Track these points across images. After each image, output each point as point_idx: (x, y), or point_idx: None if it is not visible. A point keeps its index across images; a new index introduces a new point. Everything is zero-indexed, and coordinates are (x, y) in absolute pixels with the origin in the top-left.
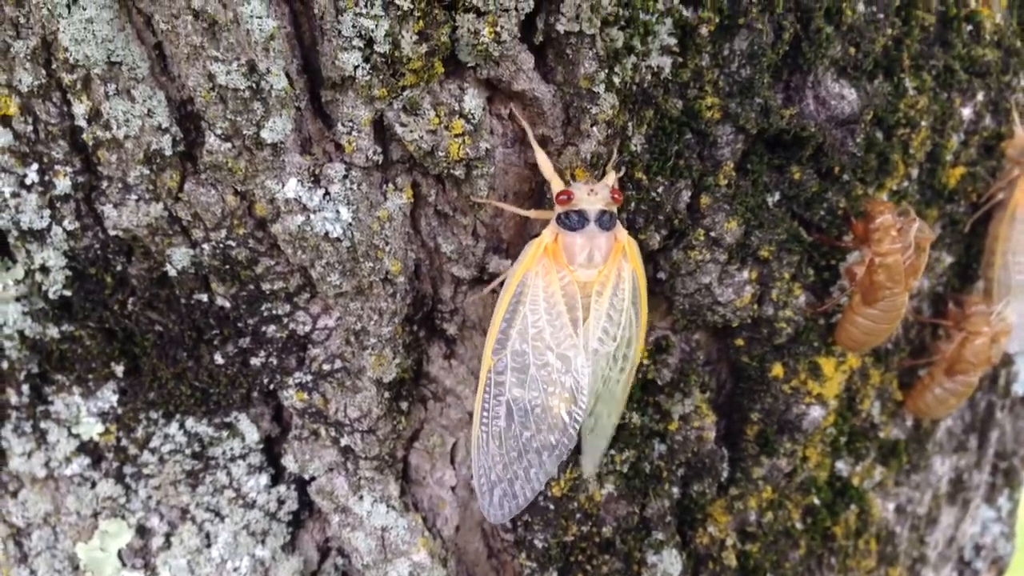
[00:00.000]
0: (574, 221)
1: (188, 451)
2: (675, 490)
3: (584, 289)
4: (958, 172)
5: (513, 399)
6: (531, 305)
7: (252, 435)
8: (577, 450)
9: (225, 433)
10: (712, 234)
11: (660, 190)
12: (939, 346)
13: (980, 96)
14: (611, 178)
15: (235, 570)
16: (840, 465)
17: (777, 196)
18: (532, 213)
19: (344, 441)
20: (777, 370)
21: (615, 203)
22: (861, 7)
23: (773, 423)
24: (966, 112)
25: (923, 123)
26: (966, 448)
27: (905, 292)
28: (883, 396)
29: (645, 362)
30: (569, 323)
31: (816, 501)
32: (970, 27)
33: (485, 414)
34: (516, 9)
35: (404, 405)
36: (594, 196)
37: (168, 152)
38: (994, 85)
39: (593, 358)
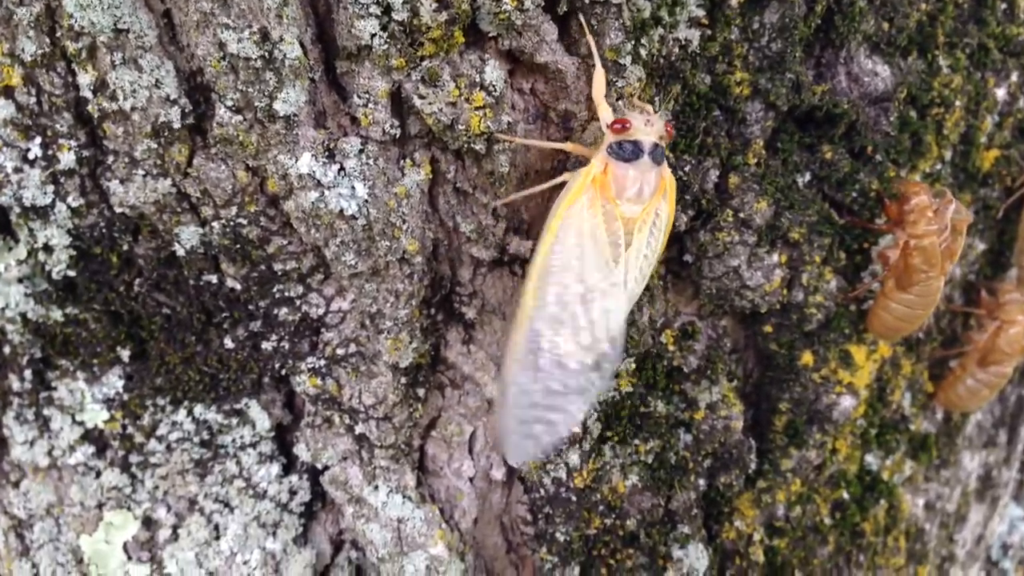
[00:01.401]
0: (628, 152)
1: (196, 439)
2: (701, 482)
3: (627, 225)
4: (992, 155)
5: (550, 339)
6: (575, 239)
7: (263, 422)
8: None
9: (235, 420)
10: (741, 215)
11: (687, 169)
12: (971, 336)
13: (1015, 77)
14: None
15: (245, 563)
16: (870, 458)
17: (808, 176)
18: (569, 146)
19: (359, 429)
20: (807, 358)
21: (668, 137)
22: None
23: (802, 413)
24: (1000, 93)
25: (957, 103)
26: (995, 443)
27: (941, 276)
28: (914, 387)
29: (671, 348)
30: (612, 260)
31: (845, 495)
32: (1004, 5)
33: (518, 350)
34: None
35: (421, 392)
36: (650, 128)
37: (177, 125)
38: None
39: (627, 296)
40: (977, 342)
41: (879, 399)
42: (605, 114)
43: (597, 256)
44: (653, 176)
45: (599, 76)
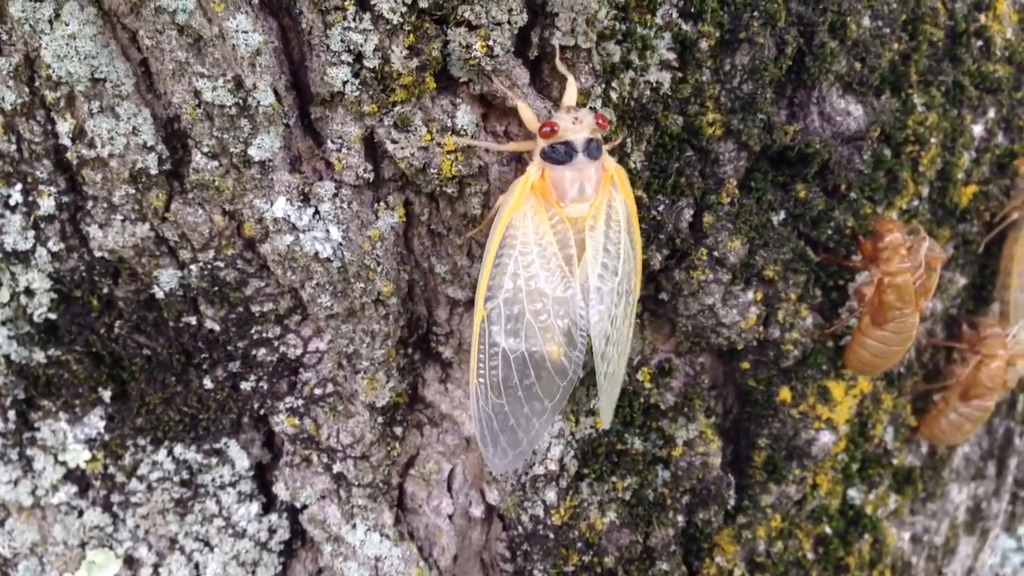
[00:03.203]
0: (561, 153)
1: (177, 479)
2: (680, 518)
3: (576, 225)
4: (970, 191)
5: (510, 348)
6: (521, 248)
7: (242, 462)
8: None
9: (214, 460)
10: (715, 253)
11: (661, 208)
12: (953, 370)
13: (991, 113)
14: (572, 90)
15: None
16: (852, 493)
17: (782, 214)
18: (511, 146)
19: (337, 468)
20: (784, 394)
21: (600, 128)
22: (867, 21)
23: (781, 449)
24: (977, 129)
25: (933, 140)
26: (984, 475)
27: (916, 313)
28: (896, 421)
29: (648, 385)
30: (563, 263)
31: (828, 530)
32: (980, 42)
33: (481, 365)
34: (509, 23)
35: (399, 430)
36: (579, 124)
37: (154, 171)
38: (1006, 102)
39: (597, 296)
40: (959, 376)
41: (860, 434)
42: (530, 120)
43: (549, 262)
44: (593, 172)
45: (522, 109)
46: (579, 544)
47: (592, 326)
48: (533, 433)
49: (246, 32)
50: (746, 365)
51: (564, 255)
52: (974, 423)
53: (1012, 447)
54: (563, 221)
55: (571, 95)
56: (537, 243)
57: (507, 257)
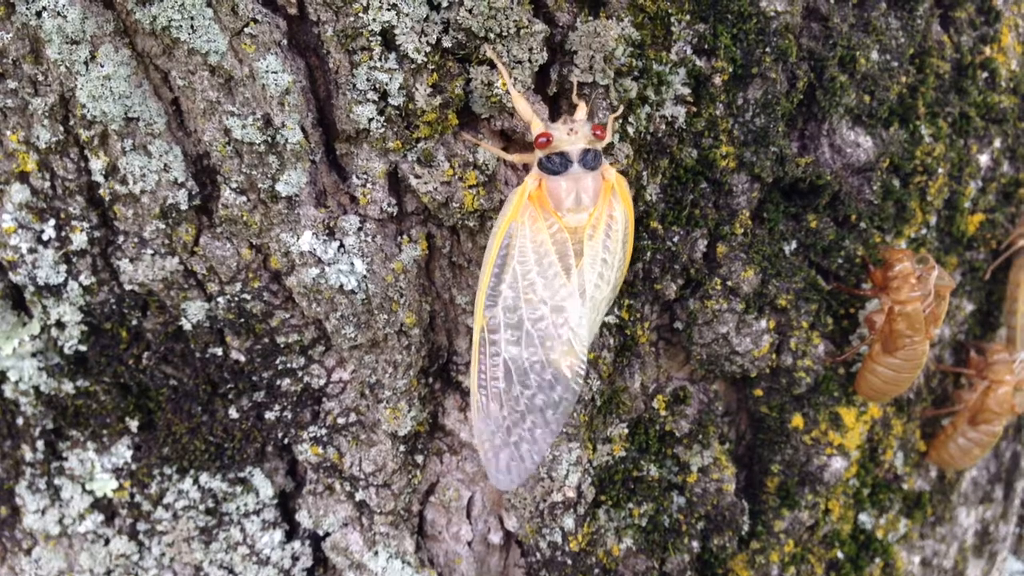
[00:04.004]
0: (556, 164)
1: (202, 507)
2: (695, 544)
3: (575, 234)
4: (977, 219)
5: (510, 358)
6: (520, 257)
7: (266, 490)
8: None
9: (239, 488)
10: (729, 283)
11: (676, 239)
12: (961, 395)
13: (997, 143)
14: (582, 111)
15: None
16: (864, 517)
17: (794, 244)
18: (515, 157)
19: (359, 496)
20: (797, 421)
21: (598, 140)
22: (875, 55)
23: (794, 475)
24: (983, 159)
25: (940, 170)
26: (992, 499)
27: (926, 341)
28: (906, 446)
29: (663, 413)
30: (562, 272)
31: (840, 555)
32: (986, 74)
33: (482, 376)
34: (530, 61)
35: (419, 458)
36: (575, 135)
37: (184, 206)
38: (1011, 132)
39: (590, 304)
40: (967, 401)
41: (871, 459)
42: (533, 130)
43: (546, 271)
44: (590, 182)
45: (516, 99)
46: (596, 570)
47: (585, 338)
48: (537, 447)
49: (276, 72)
50: (759, 392)
51: (563, 264)
52: (983, 448)
53: (1019, 470)
54: (562, 230)
55: (580, 114)
56: (535, 251)
57: (507, 265)
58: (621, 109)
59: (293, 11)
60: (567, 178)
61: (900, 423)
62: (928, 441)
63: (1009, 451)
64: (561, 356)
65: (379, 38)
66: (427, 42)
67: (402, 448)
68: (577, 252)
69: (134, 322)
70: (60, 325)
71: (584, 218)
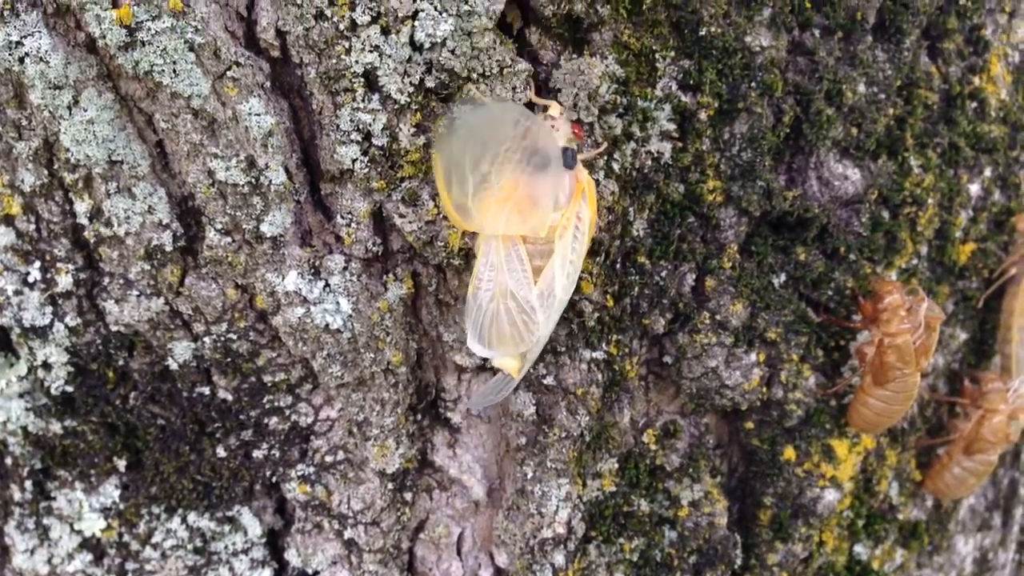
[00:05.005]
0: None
1: (190, 546)
2: None
3: (548, 234)
4: (968, 248)
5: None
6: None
7: (255, 529)
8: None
9: (227, 527)
10: (718, 317)
11: (664, 274)
12: (956, 424)
13: (988, 172)
14: (556, 109)
15: None
16: (859, 549)
17: (783, 277)
18: None
19: (348, 534)
20: (789, 453)
21: (577, 138)
22: (862, 88)
23: (787, 507)
24: (974, 188)
25: (930, 200)
26: (990, 526)
27: (917, 372)
28: (901, 476)
29: (653, 447)
30: (531, 273)
31: None
32: (975, 104)
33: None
34: (514, 100)
35: (408, 495)
36: (556, 132)
37: (169, 247)
38: (1002, 161)
39: (558, 305)
40: (962, 431)
41: (865, 490)
42: None
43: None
44: (567, 180)
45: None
46: None
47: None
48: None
49: (259, 115)
50: (750, 425)
51: (533, 264)
52: (978, 477)
53: (1017, 497)
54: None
55: (555, 111)
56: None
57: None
58: (604, 146)
59: (276, 53)
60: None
61: (894, 453)
62: (924, 470)
63: (1007, 478)
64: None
65: (362, 79)
66: (410, 83)
67: (390, 485)
68: (547, 253)
69: (121, 362)
70: (47, 366)
71: (557, 217)
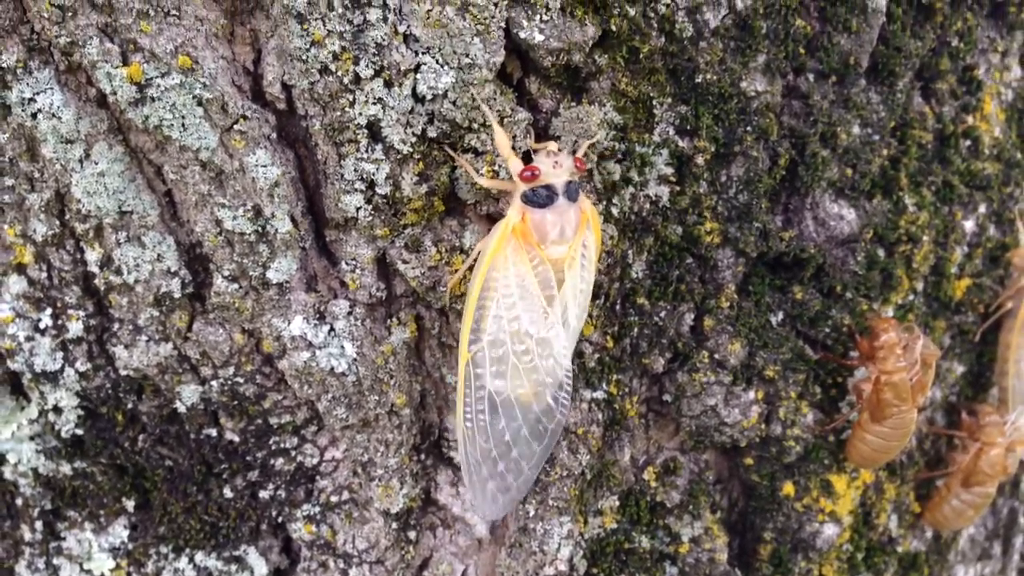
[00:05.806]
0: (543, 197)
1: None
2: None
3: (556, 265)
4: (964, 284)
5: (495, 391)
6: (503, 291)
7: (261, 568)
8: None
9: (234, 567)
10: (716, 356)
11: (663, 314)
12: (954, 457)
13: (982, 208)
14: (554, 144)
15: None
16: None
17: (780, 316)
18: (494, 183)
19: (353, 573)
20: (788, 488)
21: (579, 171)
22: (856, 129)
23: (786, 542)
24: (968, 225)
25: (925, 238)
26: (990, 555)
27: (914, 409)
28: (900, 509)
29: (653, 484)
30: (545, 304)
31: None
32: (968, 142)
33: (468, 409)
34: (514, 149)
35: (412, 534)
36: (559, 168)
37: (177, 294)
38: (996, 197)
39: (573, 335)
40: (960, 463)
41: (865, 523)
42: (514, 165)
43: (531, 303)
44: (572, 214)
45: (497, 133)
46: None
47: (568, 366)
48: (523, 478)
49: (265, 166)
50: (750, 461)
51: (546, 295)
52: (977, 509)
53: (1017, 526)
54: (544, 262)
55: (553, 146)
56: (519, 285)
57: (489, 300)
58: (600, 183)
59: (282, 106)
60: (552, 211)
61: (893, 487)
62: (922, 503)
63: (1007, 507)
64: (546, 388)
65: (365, 130)
66: (412, 133)
67: (395, 525)
68: (559, 282)
69: (129, 405)
70: (57, 410)
71: (564, 250)
